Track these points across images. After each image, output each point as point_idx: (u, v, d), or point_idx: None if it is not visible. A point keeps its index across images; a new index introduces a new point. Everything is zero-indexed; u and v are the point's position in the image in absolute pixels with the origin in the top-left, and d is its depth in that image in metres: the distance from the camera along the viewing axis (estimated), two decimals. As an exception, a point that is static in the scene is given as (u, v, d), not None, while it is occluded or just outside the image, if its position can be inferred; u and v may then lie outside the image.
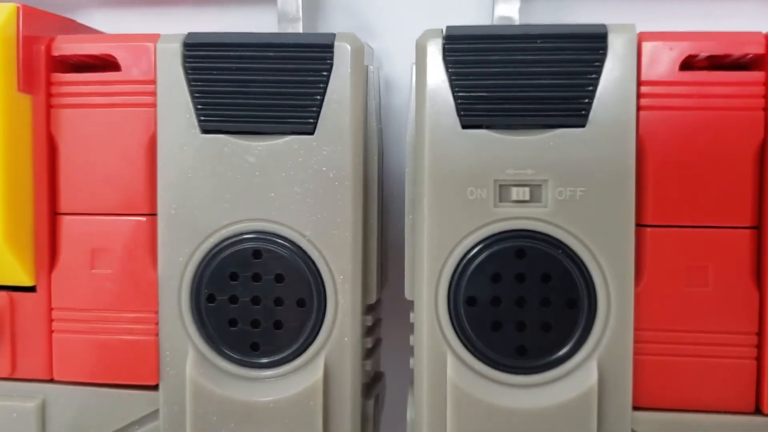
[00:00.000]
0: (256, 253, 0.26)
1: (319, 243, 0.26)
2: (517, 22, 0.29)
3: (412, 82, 0.26)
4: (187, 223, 0.27)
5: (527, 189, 0.25)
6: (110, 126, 0.27)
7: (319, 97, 0.26)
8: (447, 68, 0.25)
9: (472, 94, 0.25)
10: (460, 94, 0.25)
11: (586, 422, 0.25)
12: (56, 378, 0.28)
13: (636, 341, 0.25)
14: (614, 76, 0.25)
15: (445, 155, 0.25)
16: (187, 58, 0.26)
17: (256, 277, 0.26)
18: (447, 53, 0.25)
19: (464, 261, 0.25)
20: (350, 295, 0.26)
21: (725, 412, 0.25)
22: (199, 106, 0.26)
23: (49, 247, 0.28)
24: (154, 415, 0.27)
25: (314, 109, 0.26)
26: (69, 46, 0.27)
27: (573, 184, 0.25)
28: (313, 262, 0.26)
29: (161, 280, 0.27)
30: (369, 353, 0.28)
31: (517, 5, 0.30)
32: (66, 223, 0.28)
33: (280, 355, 0.27)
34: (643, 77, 0.25)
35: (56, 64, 0.28)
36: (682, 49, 0.25)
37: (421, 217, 0.26)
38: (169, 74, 0.27)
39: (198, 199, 0.26)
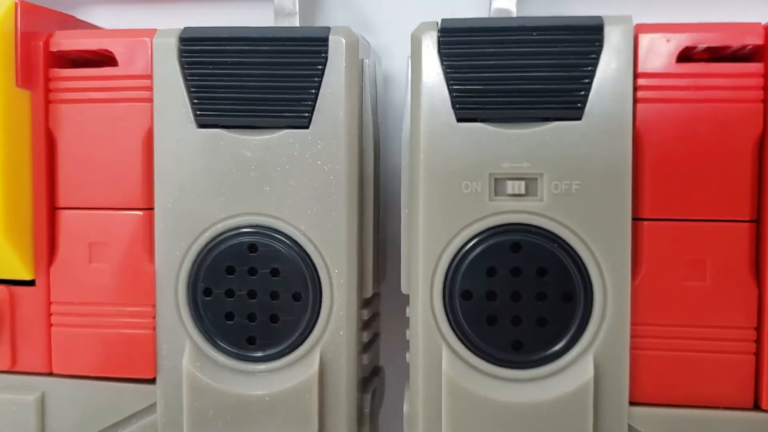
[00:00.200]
0: (252, 247, 0.26)
1: (315, 237, 0.26)
2: (515, 15, 0.29)
3: (408, 76, 0.26)
4: (184, 217, 0.27)
5: (523, 182, 0.25)
6: (108, 121, 0.27)
7: (313, 91, 0.26)
8: (442, 61, 0.25)
9: (468, 87, 0.25)
10: (456, 87, 0.25)
11: (582, 417, 0.25)
12: (55, 371, 0.28)
13: (633, 336, 0.25)
14: (611, 69, 0.24)
15: (440, 149, 0.25)
16: (183, 53, 0.26)
17: (252, 271, 0.26)
18: (442, 46, 0.25)
19: (459, 255, 0.25)
20: (346, 289, 0.26)
21: (723, 408, 0.25)
22: (195, 101, 0.26)
23: (48, 242, 0.28)
24: (151, 408, 0.28)
25: (309, 103, 0.26)
26: (67, 42, 0.28)
27: (569, 178, 0.25)
28: (309, 256, 0.26)
29: (158, 274, 0.27)
30: (366, 347, 0.28)
31: (514, -2, 0.30)
32: (65, 217, 0.28)
33: (276, 348, 0.27)
34: (640, 69, 0.25)
35: (55, 59, 0.28)
36: (679, 41, 0.24)
37: (416, 211, 0.26)
38: (165, 69, 0.27)
39: (194, 194, 0.27)
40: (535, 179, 0.25)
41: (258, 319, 0.27)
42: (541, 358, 0.25)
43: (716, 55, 0.26)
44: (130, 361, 0.28)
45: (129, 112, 0.27)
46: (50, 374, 0.28)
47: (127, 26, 0.29)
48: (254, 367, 0.27)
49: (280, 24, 0.29)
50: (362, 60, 0.26)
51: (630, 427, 0.25)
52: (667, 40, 0.24)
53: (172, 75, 0.26)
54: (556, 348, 0.25)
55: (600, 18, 0.25)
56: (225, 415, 0.27)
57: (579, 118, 0.25)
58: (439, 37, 0.25)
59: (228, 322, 0.27)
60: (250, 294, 0.26)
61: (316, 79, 0.26)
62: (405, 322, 0.27)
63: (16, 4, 0.27)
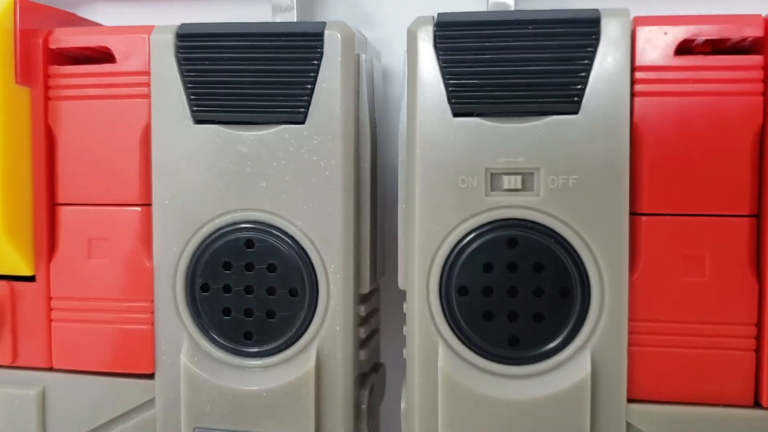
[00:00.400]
0: (249, 243, 0.26)
1: (311, 232, 0.26)
2: (513, 9, 0.29)
3: (404, 71, 0.26)
4: (181, 213, 0.27)
5: (519, 177, 0.25)
6: (107, 117, 0.27)
7: (309, 86, 0.26)
8: (438, 55, 0.25)
9: (464, 81, 0.25)
10: (452, 81, 0.25)
11: (579, 414, 0.25)
12: (55, 366, 0.28)
13: (631, 332, 0.25)
14: (608, 62, 0.24)
15: (436, 144, 0.25)
16: (180, 49, 0.27)
17: (249, 267, 0.26)
18: (438, 40, 0.25)
19: (456, 250, 0.25)
20: (342, 285, 0.26)
21: (723, 405, 0.25)
22: (192, 97, 0.26)
23: (48, 237, 0.28)
24: (150, 403, 0.28)
25: (305, 98, 0.26)
26: (66, 39, 0.28)
27: (565, 172, 0.25)
28: (305, 252, 0.26)
29: (156, 269, 0.27)
30: (364, 343, 0.28)
31: (512, -9, 0.30)
32: (64, 213, 0.28)
33: (273, 344, 0.27)
34: (638, 63, 0.24)
35: (54, 56, 0.28)
36: (677, 34, 0.24)
37: (412, 207, 0.25)
38: (162, 65, 0.27)
39: (191, 190, 0.27)
40: (532, 174, 0.25)
41: (255, 314, 0.27)
42: (538, 355, 0.25)
43: (717, 48, 0.25)
44: (129, 357, 0.28)
45: (127, 109, 0.27)
46: (51, 369, 0.28)
47: (128, 24, 0.29)
48: (251, 362, 0.27)
49: (277, 20, 0.29)
50: (358, 55, 0.26)
51: (628, 424, 0.25)
52: (665, 33, 0.24)
53: (169, 71, 0.27)
54: (553, 344, 0.25)
55: (597, 11, 0.24)
56: (222, 410, 0.27)
57: (576, 112, 0.24)
58: (435, 32, 0.25)
59: (225, 317, 0.27)
60: (247, 289, 0.27)
61: (312, 74, 0.26)
62: (405, 318, 0.27)
63: (15, 1, 0.27)
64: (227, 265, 0.27)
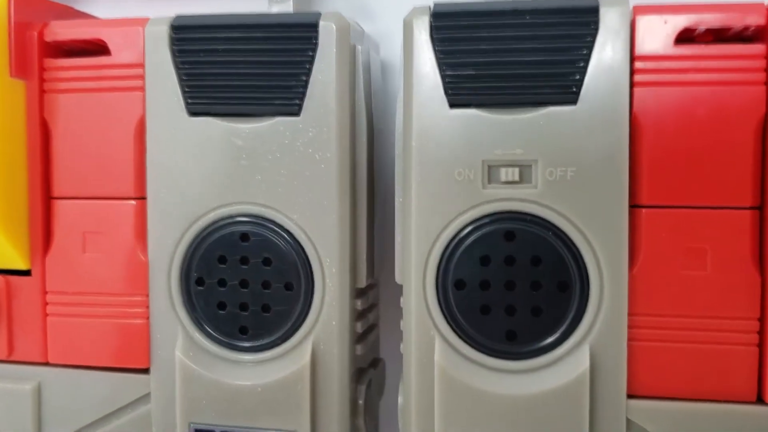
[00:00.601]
0: (244, 237, 0.26)
1: (306, 226, 0.26)
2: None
3: (401, 62, 0.26)
4: (176, 206, 0.27)
5: (516, 169, 0.24)
6: (102, 110, 0.27)
7: (304, 78, 0.25)
8: (434, 46, 0.25)
9: (460, 72, 0.24)
10: (448, 72, 0.25)
11: (577, 410, 0.24)
12: (51, 361, 0.28)
13: (630, 327, 0.24)
14: (606, 52, 0.24)
15: (432, 136, 0.25)
16: (174, 41, 0.26)
17: (244, 261, 0.26)
18: (434, 31, 0.25)
19: (452, 244, 0.25)
20: (338, 279, 0.26)
21: (725, 402, 0.24)
22: (187, 89, 0.26)
23: (43, 231, 0.28)
24: (146, 398, 0.28)
25: (299, 89, 0.25)
26: (61, 32, 0.28)
27: (564, 164, 0.24)
28: (300, 246, 0.26)
29: (151, 263, 0.27)
30: (361, 338, 0.28)
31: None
32: (59, 207, 0.28)
33: (268, 338, 0.26)
34: (637, 52, 0.24)
35: (50, 49, 0.28)
36: (678, 23, 0.24)
37: (408, 200, 0.25)
38: (157, 57, 0.26)
39: (186, 183, 0.26)
40: (530, 166, 0.24)
41: (250, 308, 0.26)
42: (536, 349, 0.25)
43: (718, 37, 0.25)
44: (124, 351, 0.27)
45: (122, 101, 0.27)
46: (46, 364, 0.28)
47: (125, 16, 0.29)
48: (246, 357, 0.27)
49: (274, 11, 0.29)
50: (354, 46, 0.26)
51: (628, 420, 0.24)
52: (665, 22, 0.24)
53: (164, 63, 0.26)
54: (551, 339, 0.25)
55: (595, 0, 0.24)
56: (218, 405, 0.27)
57: (574, 103, 0.24)
58: (431, 22, 0.25)
59: (220, 311, 0.27)
60: (242, 283, 0.26)
61: (307, 65, 0.25)
62: (404, 313, 0.26)
63: (9, -6, 0.27)
64: (222, 259, 0.26)
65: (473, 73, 0.24)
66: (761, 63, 0.23)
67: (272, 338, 0.26)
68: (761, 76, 0.23)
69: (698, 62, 0.24)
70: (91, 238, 0.27)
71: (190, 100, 0.26)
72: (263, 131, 0.26)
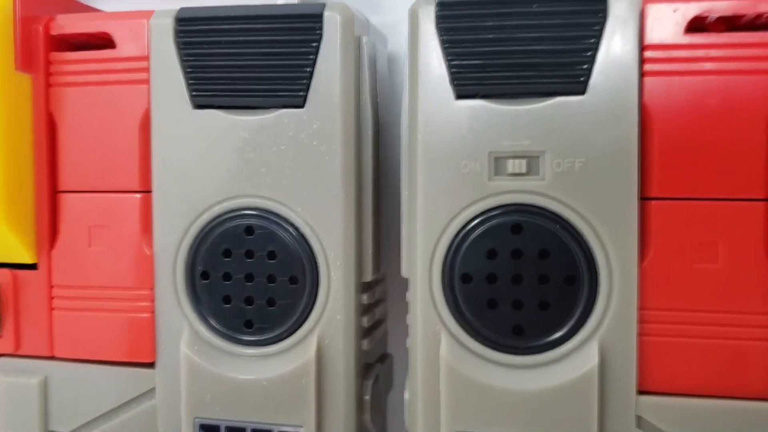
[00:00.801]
0: (249, 230, 0.26)
1: (311, 219, 0.26)
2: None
3: (406, 53, 0.25)
4: (181, 199, 0.26)
5: (524, 161, 0.24)
6: (107, 103, 0.27)
7: (308, 69, 0.25)
8: (440, 36, 0.24)
9: (466, 62, 0.24)
10: (454, 62, 0.24)
11: (586, 406, 0.24)
12: (57, 355, 0.28)
13: (641, 321, 0.24)
14: (615, 41, 0.23)
15: (438, 127, 0.24)
16: (179, 34, 0.26)
17: (249, 254, 0.26)
18: (440, 20, 0.24)
19: (459, 237, 0.25)
20: (343, 273, 0.26)
21: (737, 398, 0.23)
22: (191, 81, 0.26)
23: (49, 225, 0.28)
24: (151, 393, 0.27)
25: (304, 81, 0.25)
26: (66, 25, 0.28)
27: (572, 155, 0.24)
28: (305, 239, 0.26)
29: (157, 257, 0.27)
30: (367, 333, 0.27)
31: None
32: (66, 200, 0.28)
33: (273, 333, 0.26)
34: (647, 41, 0.23)
35: (56, 43, 0.28)
36: (688, 11, 0.23)
37: (414, 193, 0.25)
38: (161, 50, 0.26)
39: (191, 176, 0.26)
40: (537, 157, 0.24)
41: (255, 302, 0.26)
42: (543, 344, 0.24)
43: (730, 25, 0.24)
44: (130, 345, 0.27)
45: (127, 95, 0.27)
46: (53, 358, 0.28)
47: (131, 9, 0.29)
48: (251, 351, 0.26)
49: (279, 2, 0.29)
50: (359, 37, 0.26)
51: (638, 417, 0.24)
52: (675, 10, 0.23)
53: (169, 56, 0.26)
54: (559, 333, 0.24)
55: (604, -13, 0.24)
56: (223, 400, 0.26)
57: (582, 93, 0.24)
58: (436, 11, 0.24)
59: (225, 305, 0.26)
60: (247, 277, 0.26)
61: (311, 56, 0.25)
62: (409, 308, 0.26)
63: (14, -12, 0.27)
64: (227, 252, 0.26)
65: (480, 62, 0.24)
66: (774, 51, 0.23)
67: (277, 332, 0.26)
68: (774, 64, 0.23)
69: (709, 51, 0.23)
70: (97, 231, 0.27)
71: (194, 93, 0.26)
72: (267, 123, 0.26)
